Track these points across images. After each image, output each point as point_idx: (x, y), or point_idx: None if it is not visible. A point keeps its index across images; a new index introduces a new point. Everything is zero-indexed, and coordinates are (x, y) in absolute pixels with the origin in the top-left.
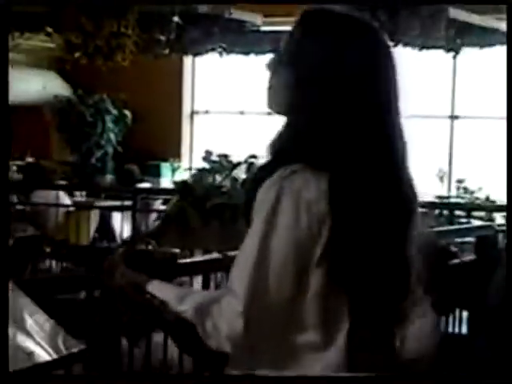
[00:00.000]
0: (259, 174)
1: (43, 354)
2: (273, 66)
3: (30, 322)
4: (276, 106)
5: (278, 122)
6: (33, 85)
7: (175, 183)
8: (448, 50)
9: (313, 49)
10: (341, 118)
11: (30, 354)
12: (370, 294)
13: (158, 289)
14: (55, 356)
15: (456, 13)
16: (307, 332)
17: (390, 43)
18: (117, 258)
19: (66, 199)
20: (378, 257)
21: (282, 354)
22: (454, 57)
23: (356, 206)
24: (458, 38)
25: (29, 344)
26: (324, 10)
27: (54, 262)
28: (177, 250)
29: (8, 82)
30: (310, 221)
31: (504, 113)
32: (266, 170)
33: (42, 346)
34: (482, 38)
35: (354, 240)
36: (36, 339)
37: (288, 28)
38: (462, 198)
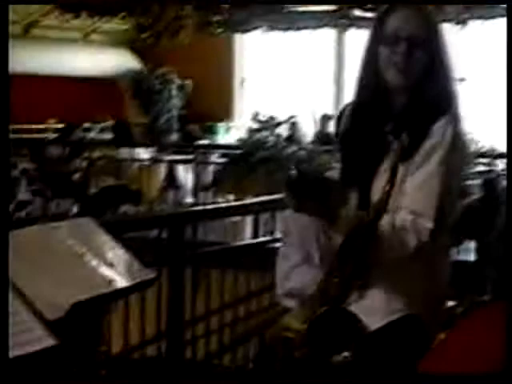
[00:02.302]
0: (417, 126)
1: (121, 281)
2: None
3: (110, 255)
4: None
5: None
6: (111, 60)
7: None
8: (457, 23)
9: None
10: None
11: (111, 281)
12: None
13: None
14: (132, 282)
15: None
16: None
17: None
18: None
19: (143, 154)
20: None
21: (431, 257)
22: (462, 28)
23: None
24: (466, 12)
25: (109, 273)
26: None
27: (130, 207)
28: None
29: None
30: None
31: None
32: (423, 122)
33: (120, 274)
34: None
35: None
36: (115, 269)
37: (319, 8)
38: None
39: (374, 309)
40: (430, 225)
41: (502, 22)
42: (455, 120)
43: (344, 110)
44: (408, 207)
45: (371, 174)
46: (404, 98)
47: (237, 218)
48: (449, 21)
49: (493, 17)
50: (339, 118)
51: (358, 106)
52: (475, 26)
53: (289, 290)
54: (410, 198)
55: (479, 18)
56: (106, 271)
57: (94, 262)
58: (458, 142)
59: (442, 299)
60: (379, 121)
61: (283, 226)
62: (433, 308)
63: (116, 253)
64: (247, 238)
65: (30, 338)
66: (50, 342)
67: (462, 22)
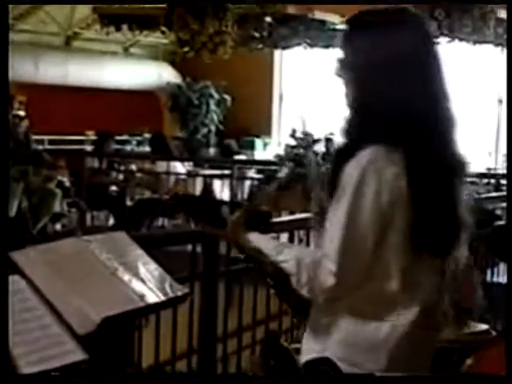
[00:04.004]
0: (341, 155)
1: (153, 296)
2: (340, 66)
3: (143, 270)
4: (348, 97)
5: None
6: (150, 74)
7: (276, 156)
8: (496, 45)
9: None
10: (406, 104)
11: (142, 296)
12: (432, 252)
13: (257, 240)
14: (164, 298)
15: (503, 13)
16: (383, 282)
17: (448, 38)
18: (240, 217)
19: (180, 168)
20: (441, 216)
21: (360, 301)
22: (502, 50)
23: (425, 180)
24: (505, 34)
25: (141, 288)
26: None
27: (166, 220)
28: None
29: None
30: (389, 195)
31: None
32: (347, 151)
33: (152, 290)
34: None
35: (427, 210)
36: (147, 284)
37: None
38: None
39: (302, 346)
40: (331, 267)
41: None
42: (381, 152)
43: None
44: (320, 244)
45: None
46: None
47: (271, 235)
48: (488, 43)
49: None
50: None
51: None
52: None
53: None
54: (324, 235)
55: None
56: (138, 286)
57: (127, 277)
58: (372, 175)
59: (384, 346)
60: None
61: None
62: (364, 353)
63: (149, 268)
64: None
65: (60, 351)
66: (80, 356)
67: (502, 44)
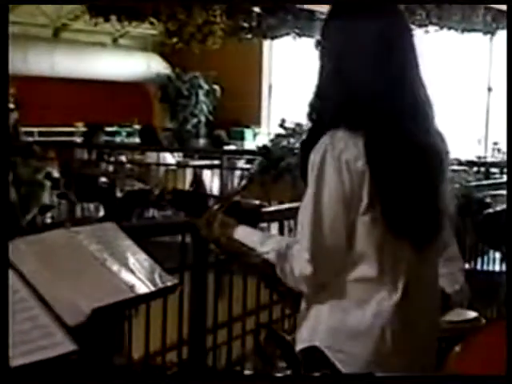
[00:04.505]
0: (307, 141)
1: (142, 287)
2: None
3: (132, 261)
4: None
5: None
6: (139, 65)
7: (258, 147)
8: (485, 33)
9: (339, 29)
10: (370, 88)
11: (132, 286)
12: (406, 234)
13: (243, 233)
14: (153, 288)
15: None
16: (362, 267)
17: (436, 27)
18: (217, 209)
19: (170, 159)
20: (412, 201)
21: (342, 288)
22: (491, 38)
23: (388, 162)
24: (493, 22)
25: (131, 278)
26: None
27: (156, 211)
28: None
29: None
30: (351, 177)
31: None
32: (313, 137)
33: (142, 280)
34: None
35: (391, 189)
36: (137, 274)
37: None
38: (496, 157)
39: (296, 336)
40: (306, 256)
41: None
42: (340, 136)
43: None
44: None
45: None
46: None
47: (262, 224)
48: (477, 31)
49: None
50: None
51: None
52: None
53: None
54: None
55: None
56: (127, 277)
57: (116, 268)
58: (331, 160)
59: (370, 332)
60: None
61: None
62: (351, 340)
63: (138, 258)
64: None
65: (50, 342)
66: (70, 347)
67: (491, 32)
